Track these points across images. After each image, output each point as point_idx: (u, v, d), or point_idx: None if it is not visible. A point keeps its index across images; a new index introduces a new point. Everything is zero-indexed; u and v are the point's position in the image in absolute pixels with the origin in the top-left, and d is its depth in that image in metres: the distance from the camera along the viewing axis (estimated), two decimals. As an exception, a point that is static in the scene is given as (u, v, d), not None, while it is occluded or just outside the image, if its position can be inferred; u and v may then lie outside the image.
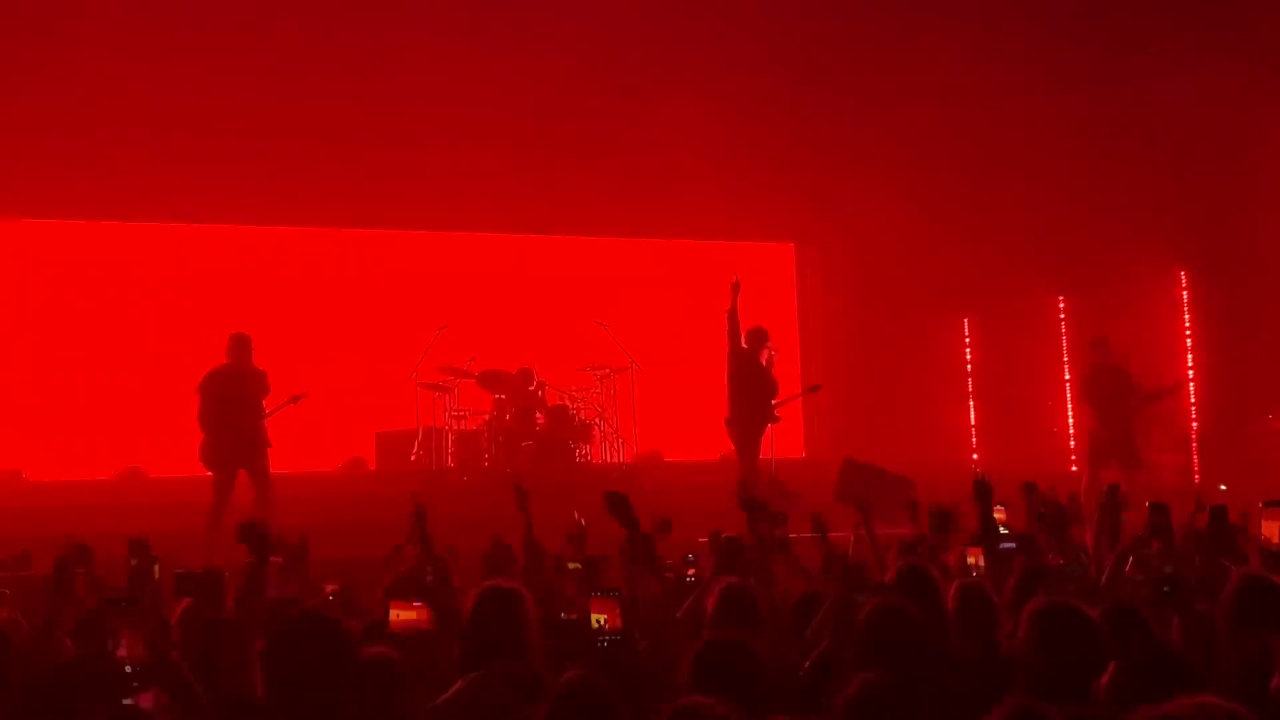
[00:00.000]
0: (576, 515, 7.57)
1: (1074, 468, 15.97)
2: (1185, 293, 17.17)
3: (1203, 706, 3.30)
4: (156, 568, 5.78)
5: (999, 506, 6.93)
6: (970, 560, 6.25)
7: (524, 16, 14.49)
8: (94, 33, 13.55)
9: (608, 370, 16.30)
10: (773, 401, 13.05)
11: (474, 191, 16.66)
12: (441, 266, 17.91)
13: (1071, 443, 17.22)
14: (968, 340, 18.64)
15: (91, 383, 16.22)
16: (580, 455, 15.64)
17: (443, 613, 4.96)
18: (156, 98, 14.77)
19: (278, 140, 15.45)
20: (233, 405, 12.04)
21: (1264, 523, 5.16)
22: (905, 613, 4.33)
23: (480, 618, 4.56)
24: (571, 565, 6.95)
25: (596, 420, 16.34)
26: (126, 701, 4.00)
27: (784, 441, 14.50)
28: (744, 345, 12.98)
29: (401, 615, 4.81)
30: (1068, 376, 17.61)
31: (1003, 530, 6.68)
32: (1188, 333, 17.04)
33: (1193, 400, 16.83)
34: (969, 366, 18.64)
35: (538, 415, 15.54)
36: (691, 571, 6.65)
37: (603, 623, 4.70)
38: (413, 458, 15.49)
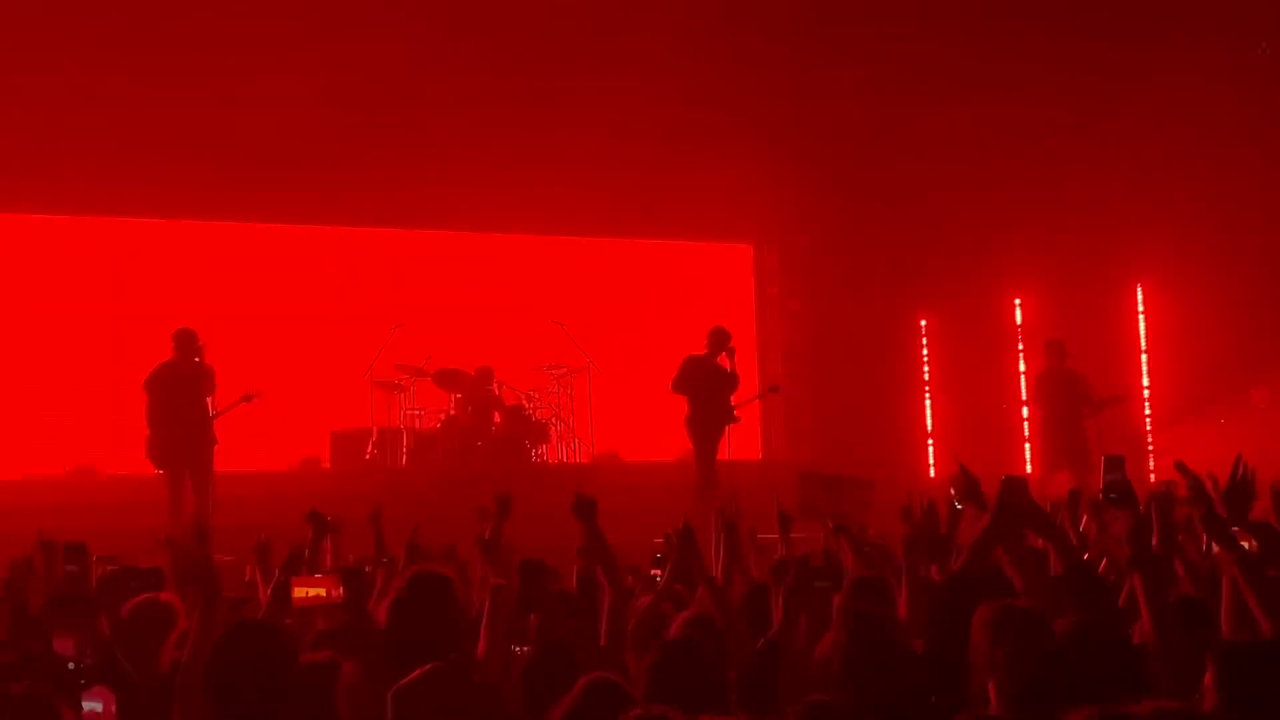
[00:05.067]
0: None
1: (1029, 469, 16.05)
2: (1140, 297, 17.31)
3: (1157, 710, 3.30)
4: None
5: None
6: None
7: (480, 9, 14.47)
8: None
9: (565, 370, 16.28)
10: (733, 401, 13.09)
11: (429, 189, 16.55)
12: (397, 264, 17.79)
13: (1027, 444, 17.30)
14: (924, 340, 18.70)
15: (41, 379, 16.00)
16: (537, 455, 15.61)
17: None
18: (114, 93, 14.61)
19: (231, 136, 15.28)
20: (178, 402, 11.95)
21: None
22: (880, 617, 4.31)
23: (409, 603, 4.52)
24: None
25: (554, 420, 16.31)
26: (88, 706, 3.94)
27: (741, 443, 14.50)
28: (705, 347, 13.07)
29: (309, 592, 4.72)
30: (1023, 377, 17.69)
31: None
32: (1142, 334, 17.17)
33: (1147, 404, 16.95)
34: (926, 366, 18.70)
35: (495, 415, 15.49)
36: (657, 572, 6.61)
37: None
38: (367, 457, 15.41)
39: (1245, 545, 4.41)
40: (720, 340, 13.14)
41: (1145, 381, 17.22)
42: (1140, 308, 17.26)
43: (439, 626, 4.52)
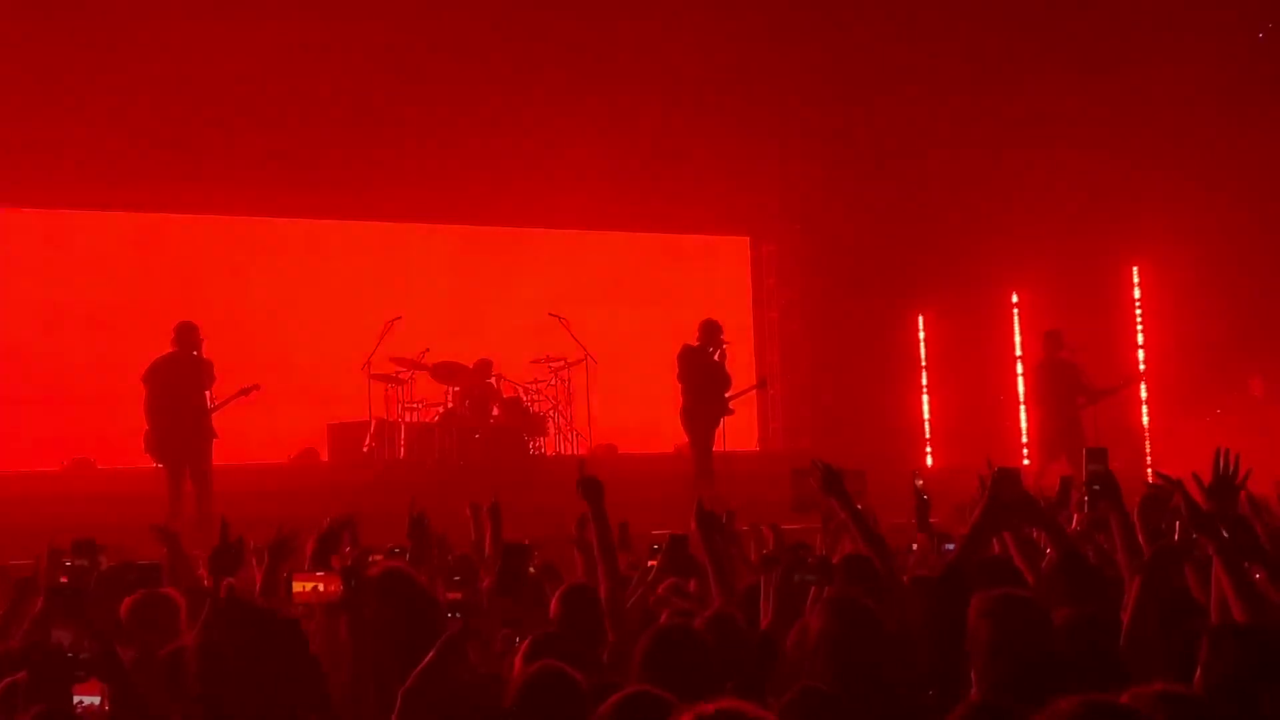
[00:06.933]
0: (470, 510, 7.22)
1: (1026, 460, 16.06)
2: (1138, 287, 17.29)
3: (1159, 694, 3.31)
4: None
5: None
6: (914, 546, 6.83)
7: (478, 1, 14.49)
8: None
9: (562, 362, 16.28)
10: (725, 395, 13.09)
11: (427, 182, 16.56)
12: (395, 257, 17.79)
13: (1024, 436, 17.31)
14: (922, 334, 18.70)
15: (40, 372, 16.00)
16: (535, 448, 15.62)
17: None
18: (111, 87, 14.58)
19: (227, 129, 15.27)
20: (178, 395, 11.94)
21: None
22: (861, 605, 4.30)
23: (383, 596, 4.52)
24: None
25: (551, 413, 16.32)
26: (80, 700, 3.94)
27: (738, 434, 14.51)
28: (697, 339, 13.04)
29: (306, 587, 4.68)
30: (1021, 370, 17.72)
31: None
32: (1139, 327, 17.17)
33: (1144, 394, 16.95)
34: (923, 360, 18.70)
35: (493, 408, 15.50)
36: (653, 563, 6.61)
37: None
38: (365, 449, 15.40)
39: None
40: (712, 333, 13.12)
41: (1142, 370, 17.19)
42: (1137, 294, 17.26)
43: (411, 615, 4.50)
